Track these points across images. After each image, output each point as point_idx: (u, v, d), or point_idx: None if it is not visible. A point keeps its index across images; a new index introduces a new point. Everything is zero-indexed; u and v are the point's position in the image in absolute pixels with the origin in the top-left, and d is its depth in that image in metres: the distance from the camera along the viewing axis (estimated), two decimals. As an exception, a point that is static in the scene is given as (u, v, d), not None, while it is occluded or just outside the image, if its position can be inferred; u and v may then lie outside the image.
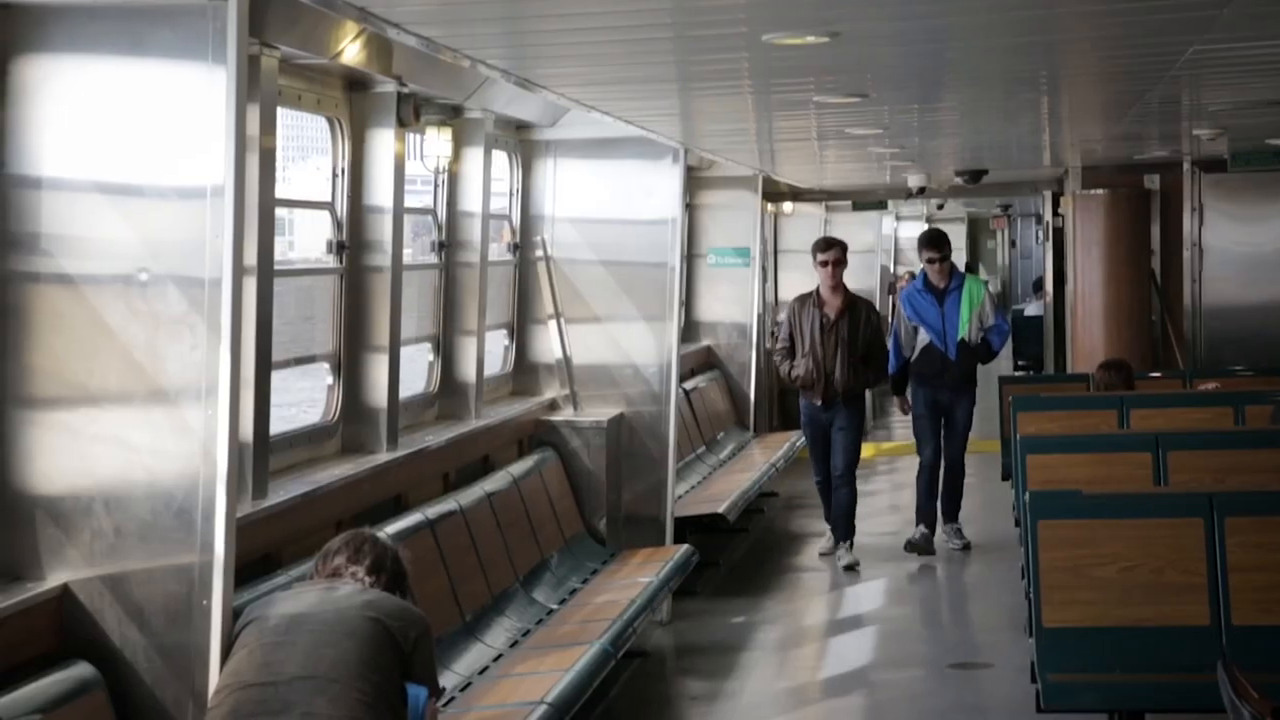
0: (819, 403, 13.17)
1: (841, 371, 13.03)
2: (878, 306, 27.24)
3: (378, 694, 5.38)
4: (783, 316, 14.00)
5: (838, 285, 13.16)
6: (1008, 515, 13.13)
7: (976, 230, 47.27)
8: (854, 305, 13.21)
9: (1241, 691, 6.13)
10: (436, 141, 10.01)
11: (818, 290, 13.25)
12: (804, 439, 14.00)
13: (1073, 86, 10.02)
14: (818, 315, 13.10)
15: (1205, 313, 17.28)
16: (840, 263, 13.20)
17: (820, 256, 13.17)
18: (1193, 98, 10.74)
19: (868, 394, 17.03)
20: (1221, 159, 15.87)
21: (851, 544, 13.37)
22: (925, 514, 13.93)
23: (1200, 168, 17.26)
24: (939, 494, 13.97)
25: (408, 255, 9.71)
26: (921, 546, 13.75)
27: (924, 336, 13.76)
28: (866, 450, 15.99)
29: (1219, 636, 7.30)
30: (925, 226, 22.08)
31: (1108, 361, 12.51)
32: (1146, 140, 14.50)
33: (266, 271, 7.53)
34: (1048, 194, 20.58)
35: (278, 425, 8.13)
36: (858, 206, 23.16)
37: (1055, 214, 19.72)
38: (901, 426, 18.62)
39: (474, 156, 10.59)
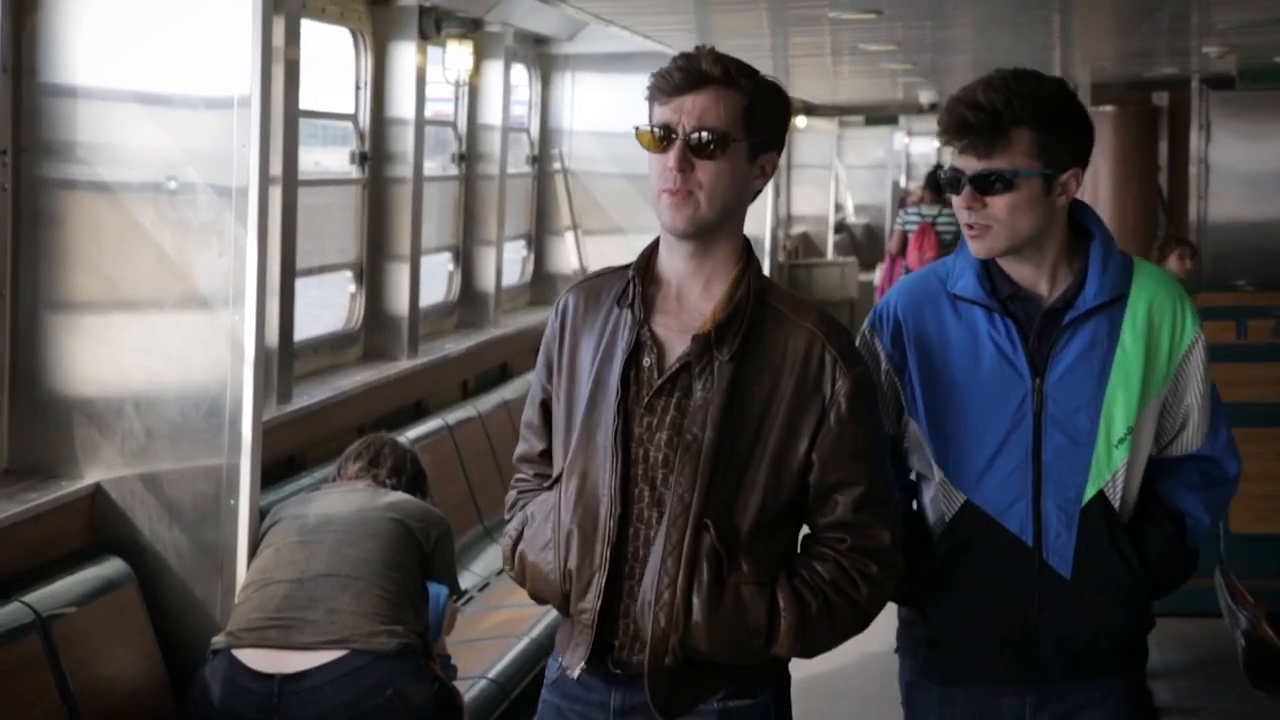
0: None
1: None
2: (886, 222, 27.38)
3: (399, 591, 5.50)
4: None
5: None
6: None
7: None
8: None
9: (1238, 596, 6.31)
10: (457, 54, 10.07)
11: None
12: None
13: (1084, 2, 10.08)
14: None
15: (1210, 229, 17.29)
16: None
17: None
18: (1202, 15, 10.80)
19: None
20: (1229, 76, 15.88)
21: None
22: None
23: (1208, 85, 17.27)
24: None
25: (429, 167, 9.80)
26: None
27: None
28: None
29: (1216, 543, 7.45)
30: (936, 143, 21.91)
31: None
32: (1156, 58, 14.53)
33: (291, 181, 7.64)
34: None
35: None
36: (870, 122, 23.22)
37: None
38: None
39: (494, 70, 10.68)
